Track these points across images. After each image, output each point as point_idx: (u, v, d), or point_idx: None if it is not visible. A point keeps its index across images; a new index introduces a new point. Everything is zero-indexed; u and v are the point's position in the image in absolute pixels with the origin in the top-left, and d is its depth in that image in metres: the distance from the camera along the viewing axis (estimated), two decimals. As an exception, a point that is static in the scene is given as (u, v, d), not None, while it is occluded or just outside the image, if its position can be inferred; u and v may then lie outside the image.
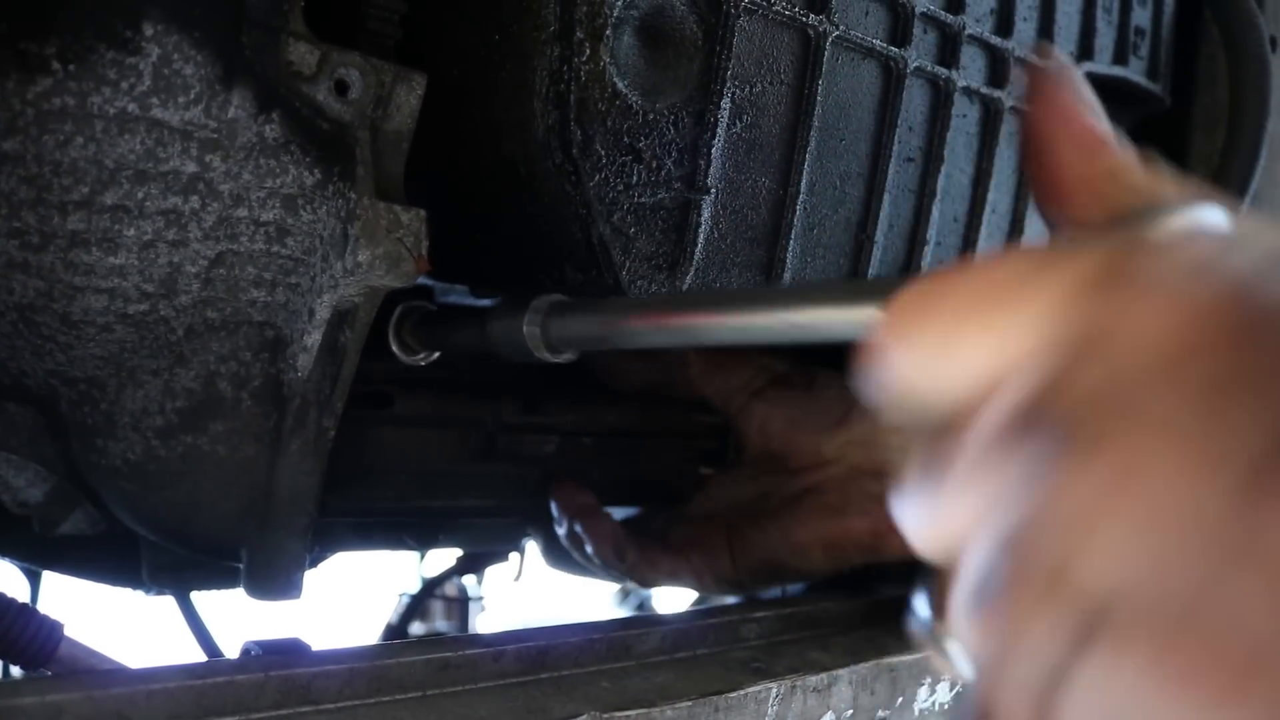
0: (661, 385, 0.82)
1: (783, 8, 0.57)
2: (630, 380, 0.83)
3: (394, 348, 0.64)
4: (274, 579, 0.59)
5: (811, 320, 0.37)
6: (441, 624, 1.50)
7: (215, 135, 0.50)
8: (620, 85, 0.52)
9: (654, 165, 0.54)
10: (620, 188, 0.53)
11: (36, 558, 0.77)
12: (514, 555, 1.13)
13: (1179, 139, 0.97)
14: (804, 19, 0.58)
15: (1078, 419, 0.21)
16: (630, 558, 0.78)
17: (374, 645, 0.52)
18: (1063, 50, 0.77)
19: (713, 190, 0.57)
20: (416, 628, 1.41)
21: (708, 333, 0.43)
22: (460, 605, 1.49)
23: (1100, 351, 0.22)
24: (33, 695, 0.43)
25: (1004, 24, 0.72)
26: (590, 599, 1.68)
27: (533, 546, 1.09)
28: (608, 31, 0.51)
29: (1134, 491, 0.20)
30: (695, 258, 0.57)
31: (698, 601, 1.12)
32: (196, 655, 0.84)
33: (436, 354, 0.65)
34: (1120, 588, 0.20)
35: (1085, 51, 0.80)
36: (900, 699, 0.64)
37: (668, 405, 0.86)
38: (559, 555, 0.85)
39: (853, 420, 0.76)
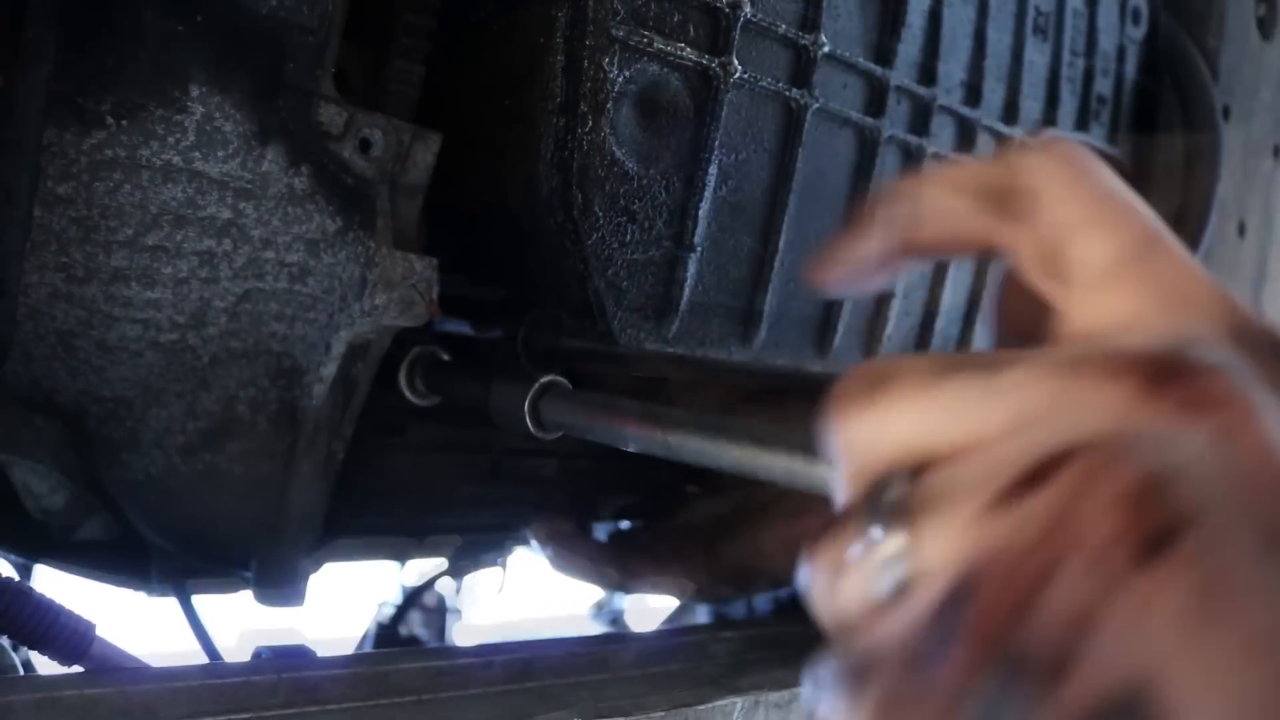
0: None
1: (768, 82, 0.63)
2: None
3: (403, 388, 0.69)
4: (281, 587, 0.64)
5: (773, 464, 0.40)
6: (420, 632, 1.54)
7: (249, 186, 0.55)
8: (619, 153, 0.57)
9: (646, 225, 0.59)
10: (615, 245, 0.59)
11: (45, 556, 0.81)
12: (498, 568, 1.17)
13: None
14: (787, 92, 0.64)
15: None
16: (611, 573, 0.85)
17: (375, 652, 0.57)
18: (1028, 117, 0.83)
19: (698, 248, 0.62)
20: (397, 635, 1.45)
21: (678, 450, 0.46)
22: (439, 615, 1.53)
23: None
24: (72, 689, 0.47)
25: (973, 95, 0.78)
26: (566, 613, 1.72)
27: (513, 559, 1.14)
28: (609, 105, 0.56)
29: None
30: (680, 309, 0.62)
31: (670, 620, 1.18)
32: (190, 650, 0.87)
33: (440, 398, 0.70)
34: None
35: (1049, 119, 0.86)
36: (855, 717, 0.70)
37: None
38: None
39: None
